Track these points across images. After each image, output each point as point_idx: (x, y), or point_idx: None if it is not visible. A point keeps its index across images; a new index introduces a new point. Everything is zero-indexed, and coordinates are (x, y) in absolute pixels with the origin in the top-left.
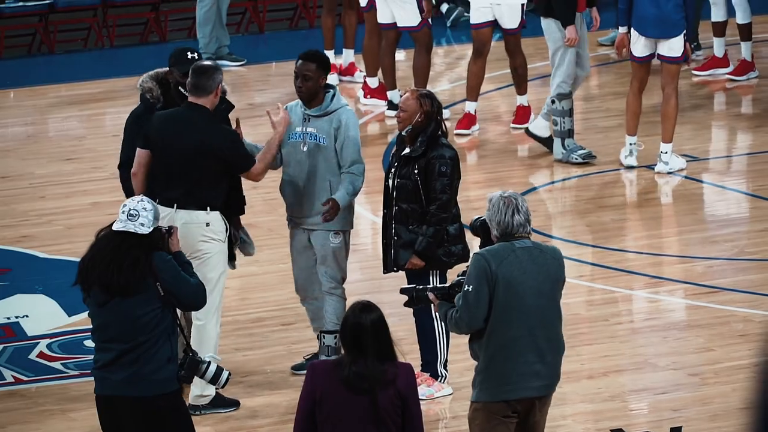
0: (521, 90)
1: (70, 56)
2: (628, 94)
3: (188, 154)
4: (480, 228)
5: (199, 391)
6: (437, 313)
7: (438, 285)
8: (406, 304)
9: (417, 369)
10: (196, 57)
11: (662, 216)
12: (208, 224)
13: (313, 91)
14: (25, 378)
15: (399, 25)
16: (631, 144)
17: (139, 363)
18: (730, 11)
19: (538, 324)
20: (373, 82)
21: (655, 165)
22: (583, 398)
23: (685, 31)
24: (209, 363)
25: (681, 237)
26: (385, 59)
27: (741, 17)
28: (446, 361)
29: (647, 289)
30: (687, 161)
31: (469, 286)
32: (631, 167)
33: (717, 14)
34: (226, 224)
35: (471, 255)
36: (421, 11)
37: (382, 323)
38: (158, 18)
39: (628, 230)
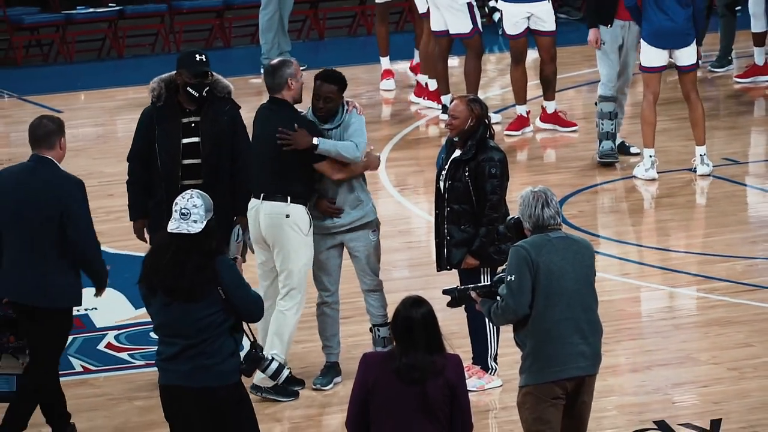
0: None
1: (138, 60)
2: (644, 107)
3: (270, 145)
4: (513, 227)
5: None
6: (481, 311)
7: (479, 284)
8: (449, 305)
9: (468, 362)
10: (204, 59)
11: (704, 217)
12: (288, 215)
13: (333, 111)
14: (93, 368)
15: (451, 32)
16: (651, 156)
17: (203, 356)
18: None
19: (579, 307)
20: (433, 84)
21: (695, 168)
22: (627, 391)
23: (696, 39)
24: (271, 360)
25: (722, 237)
26: (438, 65)
27: None
28: (496, 354)
29: (690, 286)
30: (728, 164)
31: (510, 276)
32: (653, 179)
33: (757, 25)
34: (309, 217)
35: (509, 249)
36: (473, 19)
37: (432, 317)
38: (222, 24)
39: (671, 230)
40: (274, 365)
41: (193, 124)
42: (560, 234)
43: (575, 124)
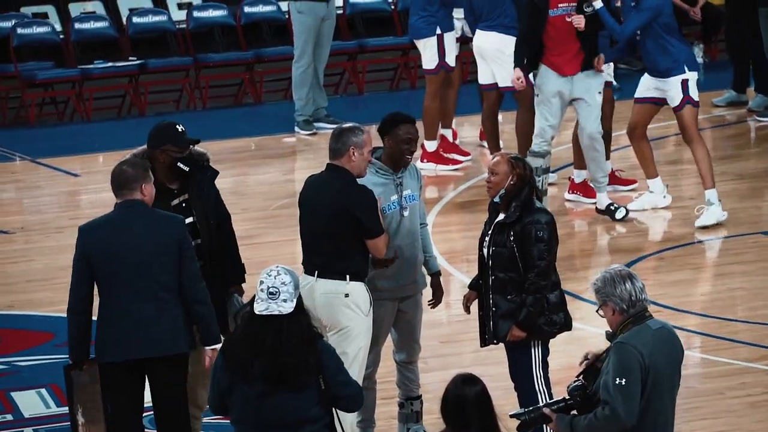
0: None
1: (162, 118)
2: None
3: (327, 217)
4: (579, 393)
5: None
6: (557, 429)
7: (550, 400)
8: (519, 429)
9: None
10: (184, 129)
11: None
12: (347, 295)
13: None
14: None
15: (500, 85)
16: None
17: None
18: None
19: (670, 418)
20: (431, 146)
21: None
22: None
23: (683, 75)
24: None
25: None
26: (486, 122)
27: None
28: None
29: (764, 361)
30: None
31: (621, 379)
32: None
33: None
34: (369, 296)
35: (615, 346)
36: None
37: (486, 395)
38: (253, 78)
39: (741, 299)
40: None
41: (183, 204)
42: (658, 324)
43: (635, 181)
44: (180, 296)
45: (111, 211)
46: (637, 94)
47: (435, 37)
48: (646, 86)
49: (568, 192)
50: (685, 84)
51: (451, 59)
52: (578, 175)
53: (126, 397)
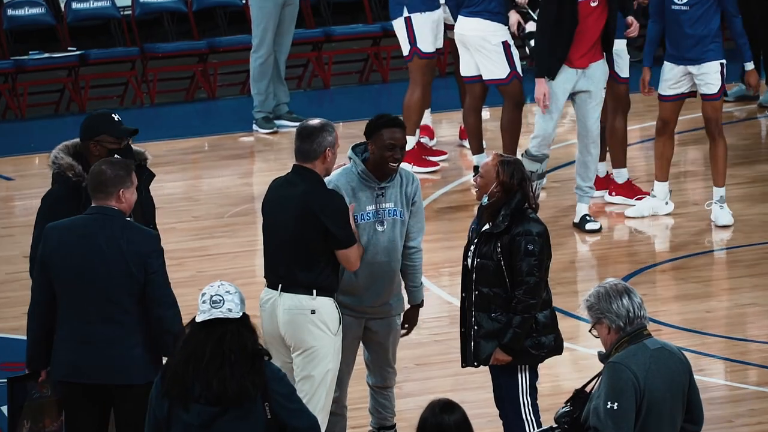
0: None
1: None
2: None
3: (292, 223)
4: (567, 419)
5: None
6: None
7: (536, 429)
8: None
9: None
10: (120, 119)
11: None
12: (313, 311)
13: None
14: None
15: (485, 78)
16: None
17: None
18: None
19: None
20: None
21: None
22: None
23: (722, 59)
24: None
25: None
26: (469, 118)
27: None
28: None
29: None
30: None
31: (613, 403)
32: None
33: None
34: (339, 313)
35: (607, 366)
36: (510, 61)
37: (467, 424)
38: (206, 71)
39: (753, 316)
40: None
41: None
42: (658, 344)
43: (646, 194)
44: (145, 322)
45: (81, 215)
46: (666, 91)
47: (402, 19)
48: (675, 79)
49: (609, 194)
50: (722, 69)
51: (425, 44)
52: (619, 175)
53: (80, 421)
